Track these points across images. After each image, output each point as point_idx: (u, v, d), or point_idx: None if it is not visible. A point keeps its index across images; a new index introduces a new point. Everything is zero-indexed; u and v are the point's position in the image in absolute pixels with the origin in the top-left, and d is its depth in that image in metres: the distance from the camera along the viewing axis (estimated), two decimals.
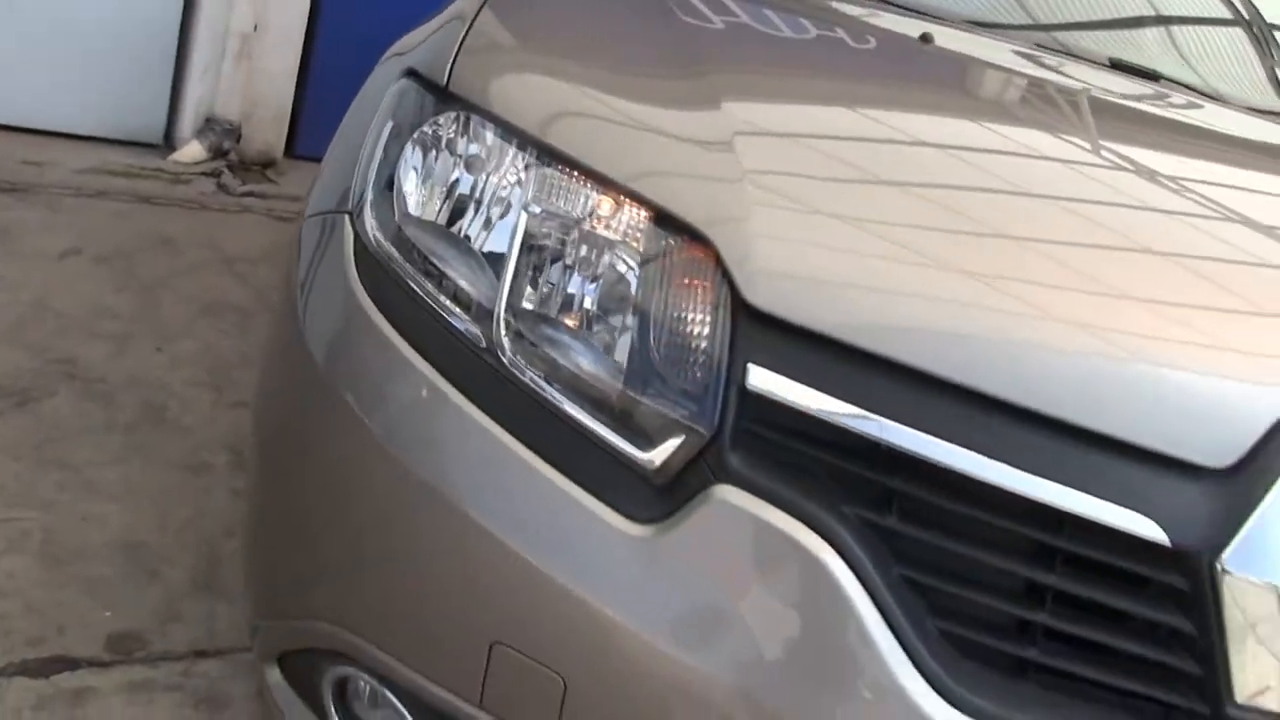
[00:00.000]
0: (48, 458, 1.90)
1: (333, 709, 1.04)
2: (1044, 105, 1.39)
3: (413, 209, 1.04)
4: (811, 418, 0.83)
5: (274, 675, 1.11)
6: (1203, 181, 1.25)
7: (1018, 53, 1.63)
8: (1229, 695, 0.86)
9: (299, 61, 3.59)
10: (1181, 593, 0.85)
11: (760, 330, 0.85)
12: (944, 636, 0.86)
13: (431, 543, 0.92)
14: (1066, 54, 1.68)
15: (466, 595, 0.91)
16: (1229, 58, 1.93)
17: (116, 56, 3.27)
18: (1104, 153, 1.26)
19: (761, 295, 0.85)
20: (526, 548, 0.88)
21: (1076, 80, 1.58)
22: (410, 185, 1.05)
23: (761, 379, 0.84)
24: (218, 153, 3.44)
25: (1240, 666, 0.85)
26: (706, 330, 0.87)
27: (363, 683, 1.03)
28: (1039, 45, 1.71)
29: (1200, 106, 1.70)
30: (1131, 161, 1.29)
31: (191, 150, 3.38)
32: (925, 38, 1.49)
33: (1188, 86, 1.74)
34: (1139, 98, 1.63)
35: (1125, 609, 0.85)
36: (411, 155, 1.07)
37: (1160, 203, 1.16)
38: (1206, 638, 0.85)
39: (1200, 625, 0.85)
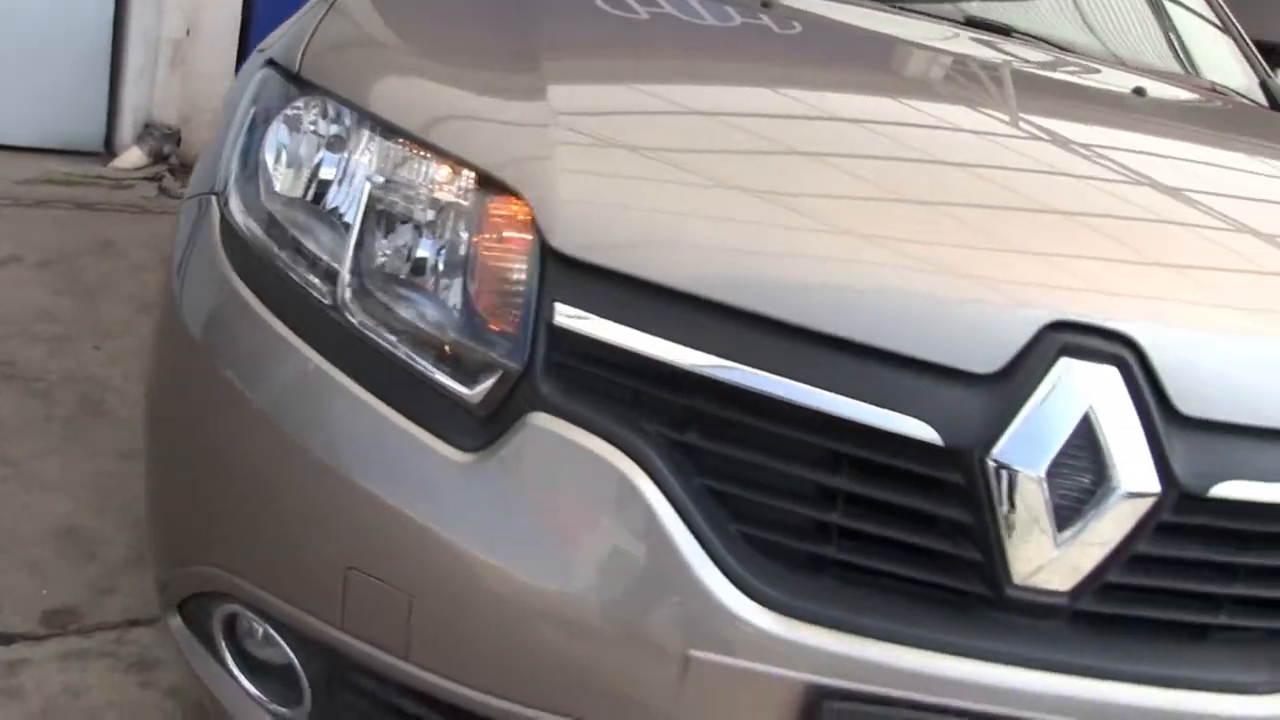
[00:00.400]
0: None
1: (223, 644, 1.14)
2: (864, 49, 1.49)
3: (277, 188, 1.14)
4: (614, 348, 0.94)
5: (175, 622, 1.21)
6: (1003, 121, 1.35)
7: (863, 9, 1.72)
8: (1007, 577, 0.96)
9: (234, 65, 3.67)
10: (958, 487, 0.95)
11: (565, 272, 0.95)
12: (746, 539, 0.96)
13: (291, 485, 1.02)
14: (919, 12, 1.78)
15: (322, 528, 1.01)
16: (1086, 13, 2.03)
17: (50, 67, 3.36)
18: (907, 84, 1.36)
19: (564, 241, 0.96)
20: (370, 481, 0.98)
21: (907, 31, 1.67)
22: (273, 166, 1.15)
23: (566, 316, 0.94)
24: (158, 157, 3.52)
25: (1015, 551, 0.96)
26: (521, 275, 0.98)
27: (253, 623, 1.13)
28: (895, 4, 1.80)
29: (1042, 55, 1.79)
30: (929, 92, 1.39)
31: (132, 156, 3.47)
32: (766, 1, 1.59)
33: (1041, 39, 1.84)
34: (955, 47, 1.71)
35: (909, 505, 0.96)
36: (274, 138, 1.16)
37: (958, 132, 1.26)
38: (983, 527, 0.95)
39: (976, 516, 0.95)
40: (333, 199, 1.09)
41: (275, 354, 1.04)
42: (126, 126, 3.51)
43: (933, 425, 0.94)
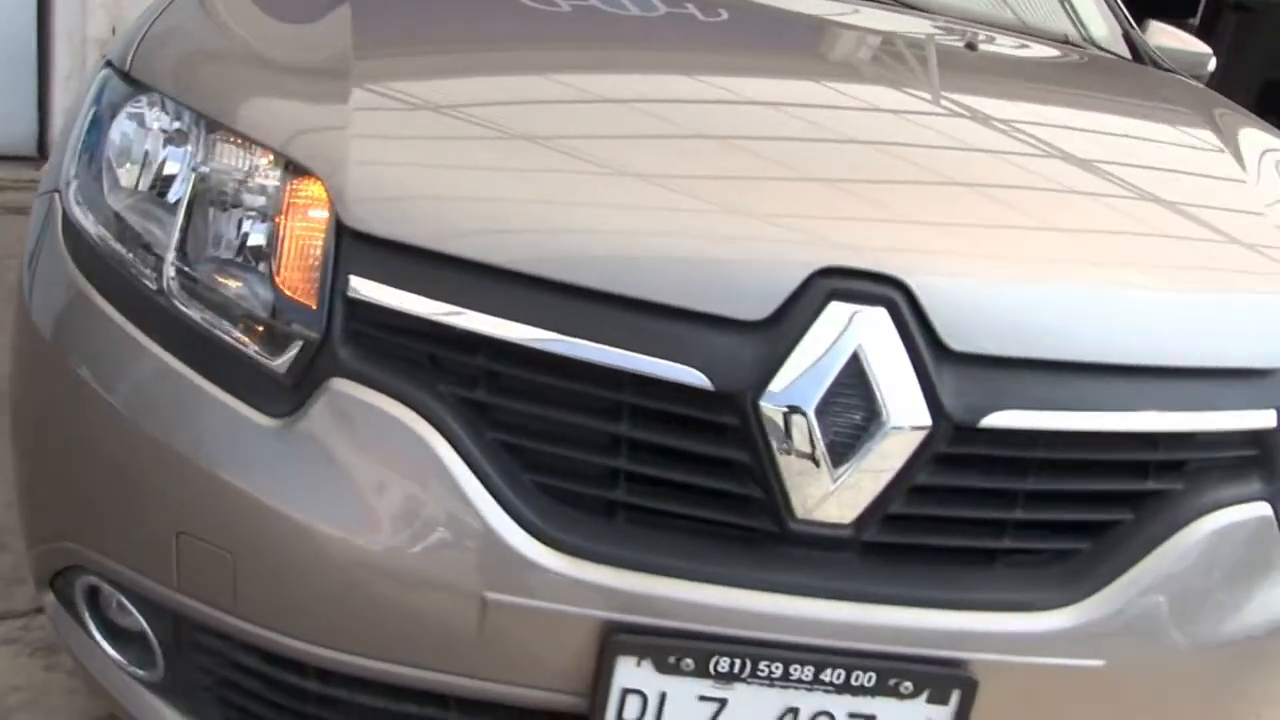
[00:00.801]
0: None
1: (86, 615, 1.21)
2: (684, 30, 1.54)
3: (121, 183, 1.20)
4: (404, 314, 1.00)
5: (48, 598, 1.28)
6: (810, 84, 1.41)
7: None
8: (790, 513, 1.03)
9: None
10: (734, 429, 1.01)
11: (356, 246, 1.02)
12: (541, 489, 1.02)
13: (125, 460, 1.09)
14: None
15: (154, 498, 1.07)
16: None
17: None
18: (709, 54, 1.42)
19: (355, 217, 1.02)
20: (191, 450, 1.04)
21: None
22: (116, 162, 1.21)
23: (360, 286, 1.01)
24: None
25: (794, 487, 1.02)
26: (319, 251, 1.04)
27: (109, 592, 1.20)
28: None
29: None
30: (735, 56, 1.46)
31: None
32: None
33: None
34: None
35: (690, 449, 1.02)
36: (115, 135, 1.22)
37: (755, 99, 1.32)
38: (762, 466, 1.02)
39: (754, 455, 1.01)
40: (168, 192, 1.15)
41: (111, 342, 1.10)
42: (58, 129, 3.56)
43: (704, 371, 1.00)
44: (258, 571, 1.03)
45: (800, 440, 1.00)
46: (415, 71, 1.21)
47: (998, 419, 1.03)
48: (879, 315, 1.01)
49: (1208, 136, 1.52)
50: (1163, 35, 2.20)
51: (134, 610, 1.15)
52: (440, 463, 0.99)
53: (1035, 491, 1.07)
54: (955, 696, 1.03)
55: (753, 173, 1.12)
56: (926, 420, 1.01)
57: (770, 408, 1.00)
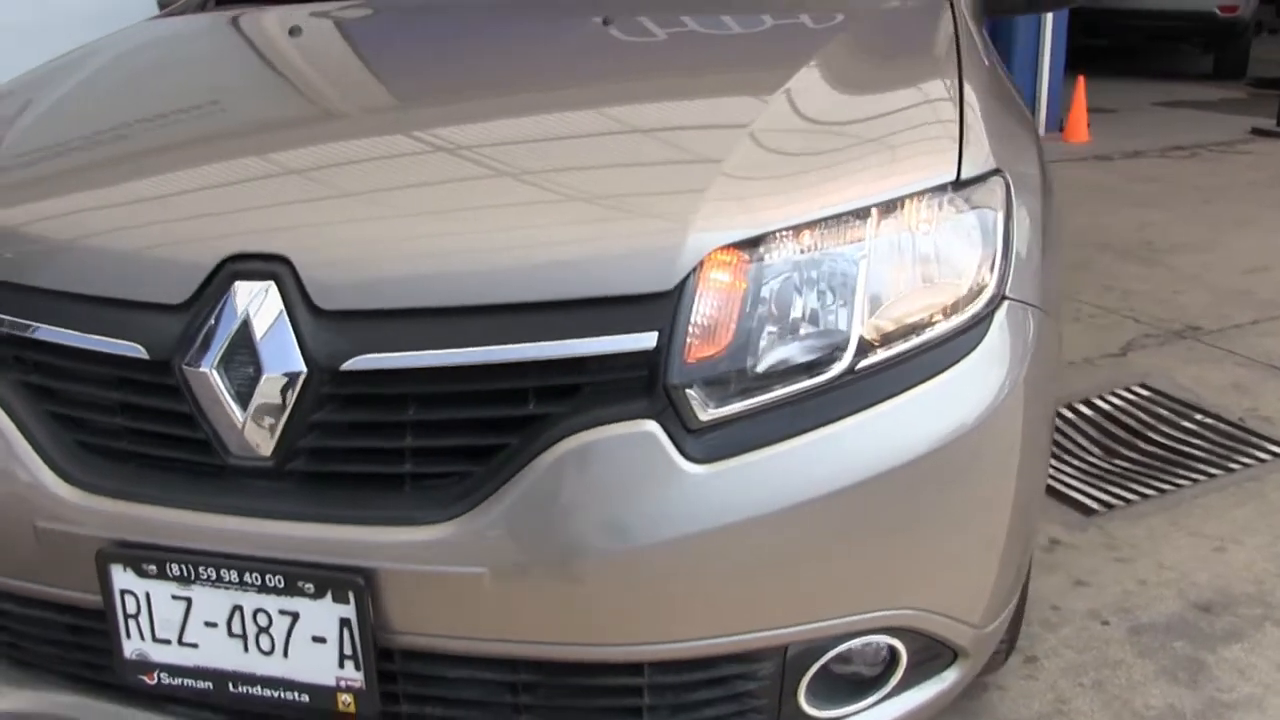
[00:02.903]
0: None
1: None
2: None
3: None
4: None
5: None
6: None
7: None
8: (225, 450, 1.34)
9: None
10: (173, 388, 1.34)
11: None
12: (81, 445, 1.40)
13: None
14: None
15: None
16: None
17: None
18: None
19: None
20: None
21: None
22: None
23: None
24: None
25: (220, 430, 1.33)
26: None
27: None
28: None
29: None
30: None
31: None
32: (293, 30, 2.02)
33: None
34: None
35: (153, 406, 1.36)
36: None
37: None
38: (198, 415, 1.34)
39: (194, 408, 1.33)
40: None
41: None
42: None
43: (144, 345, 1.33)
44: None
45: (210, 393, 1.32)
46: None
47: (357, 362, 1.28)
48: (268, 287, 1.30)
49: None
50: None
51: None
52: (5, 433, 1.40)
53: (419, 422, 1.30)
54: (352, 597, 1.29)
55: (183, 179, 1.45)
56: (300, 368, 1.29)
57: (189, 370, 1.32)
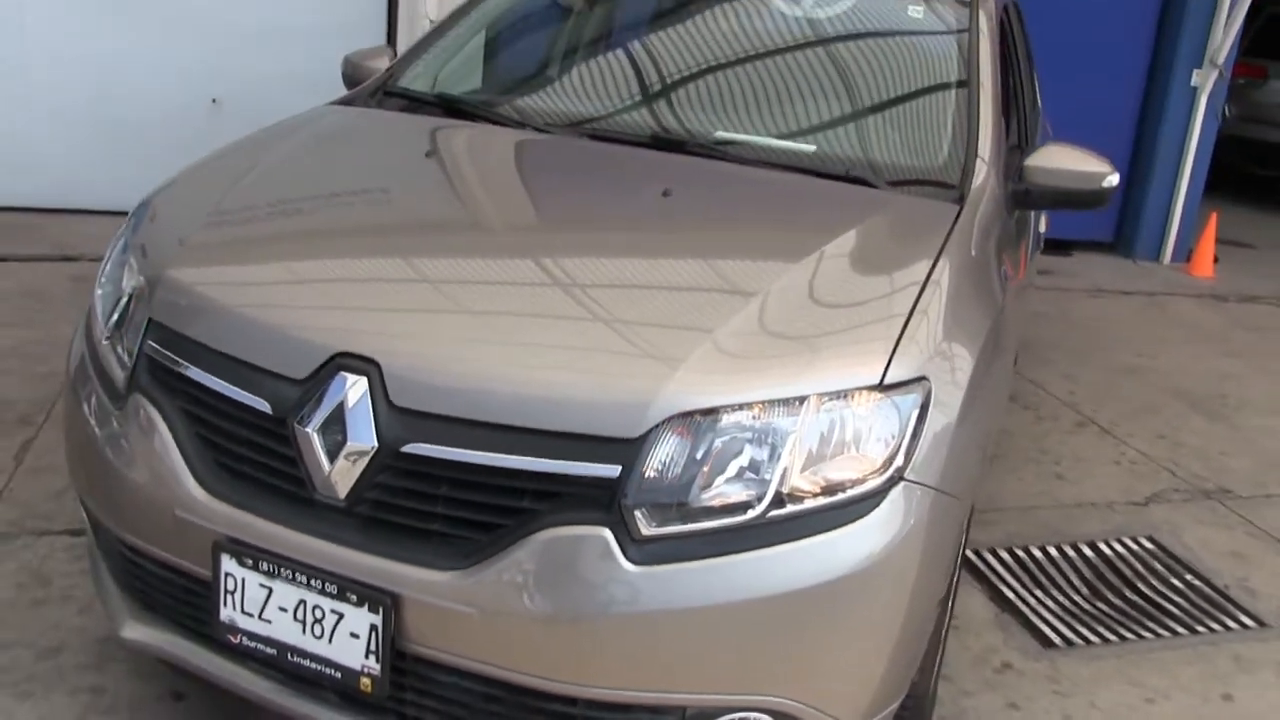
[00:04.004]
0: None
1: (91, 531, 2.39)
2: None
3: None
4: (159, 362, 2.03)
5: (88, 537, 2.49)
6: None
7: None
8: (313, 488, 1.90)
9: None
10: (286, 437, 1.91)
11: (160, 329, 2.06)
12: (218, 463, 1.99)
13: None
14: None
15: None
16: None
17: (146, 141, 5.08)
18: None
19: (155, 311, 2.07)
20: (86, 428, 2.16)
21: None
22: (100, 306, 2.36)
23: (154, 348, 2.05)
24: None
25: (312, 473, 1.89)
26: (141, 325, 2.11)
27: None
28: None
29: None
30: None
31: None
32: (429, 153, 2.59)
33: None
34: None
35: (271, 448, 1.93)
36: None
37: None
38: (300, 460, 1.90)
39: (297, 453, 1.90)
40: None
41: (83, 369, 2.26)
42: None
43: (269, 403, 1.91)
44: (98, 498, 2.12)
45: (311, 446, 1.88)
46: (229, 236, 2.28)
47: (412, 448, 1.82)
48: (361, 380, 1.86)
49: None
50: None
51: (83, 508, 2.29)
52: (164, 441, 2.00)
53: (447, 497, 1.83)
54: (382, 610, 1.83)
55: (317, 272, 2.04)
56: (373, 444, 1.84)
57: (298, 428, 1.89)
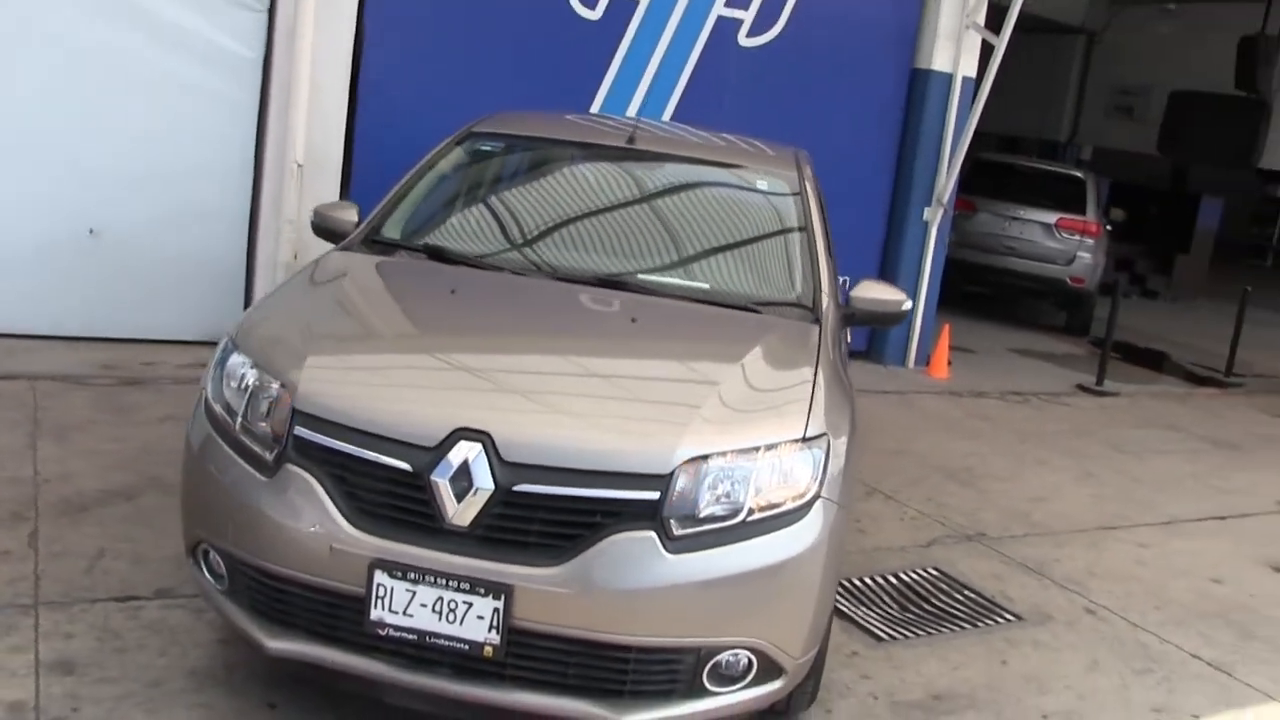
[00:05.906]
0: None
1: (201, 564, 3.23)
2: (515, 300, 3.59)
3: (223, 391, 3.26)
4: (307, 441, 2.98)
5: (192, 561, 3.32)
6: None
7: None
8: (443, 519, 2.89)
9: None
10: (423, 486, 2.90)
11: (303, 417, 3.00)
12: (360, 510, 2.94)
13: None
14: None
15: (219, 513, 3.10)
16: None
17: (198, 281, 5.91)
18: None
19: (300, 402, 3.01)
20: (228, 488, 3.06)
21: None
22: (224, 380, 3.27)
23: (307, 430, 2.98)
24: None
25: (443, 509, 2.89)
26: (285, 415, 3.05)
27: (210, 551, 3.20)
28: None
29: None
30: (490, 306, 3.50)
31: None
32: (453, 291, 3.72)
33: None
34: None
35: (409, 494, 2.91)
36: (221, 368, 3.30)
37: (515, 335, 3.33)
38: (434, 501, 2.90)
39: (431, 498, 2.89)
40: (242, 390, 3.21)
41: (215, 448, 3.15)
42: None
43: (409, 464, 2.90)
44: (240, 534, 3.01)
45: (444, 492, 2.88)
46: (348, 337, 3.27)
47: (519, 488, 2.87)
48: (478, 446, 2.90)
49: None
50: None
51: (218, 557, 3.14)
52: (319, 499, 2.93)
53: (543, 519, 2.89)
54: (503, 597, 2.84)
55: (432, 370, 3.10)
56: (490, 486, 2.87)
57: (433, 479, 2.89)
